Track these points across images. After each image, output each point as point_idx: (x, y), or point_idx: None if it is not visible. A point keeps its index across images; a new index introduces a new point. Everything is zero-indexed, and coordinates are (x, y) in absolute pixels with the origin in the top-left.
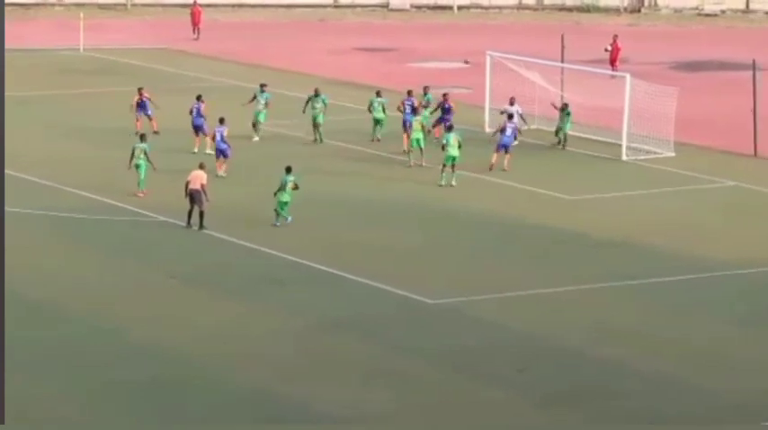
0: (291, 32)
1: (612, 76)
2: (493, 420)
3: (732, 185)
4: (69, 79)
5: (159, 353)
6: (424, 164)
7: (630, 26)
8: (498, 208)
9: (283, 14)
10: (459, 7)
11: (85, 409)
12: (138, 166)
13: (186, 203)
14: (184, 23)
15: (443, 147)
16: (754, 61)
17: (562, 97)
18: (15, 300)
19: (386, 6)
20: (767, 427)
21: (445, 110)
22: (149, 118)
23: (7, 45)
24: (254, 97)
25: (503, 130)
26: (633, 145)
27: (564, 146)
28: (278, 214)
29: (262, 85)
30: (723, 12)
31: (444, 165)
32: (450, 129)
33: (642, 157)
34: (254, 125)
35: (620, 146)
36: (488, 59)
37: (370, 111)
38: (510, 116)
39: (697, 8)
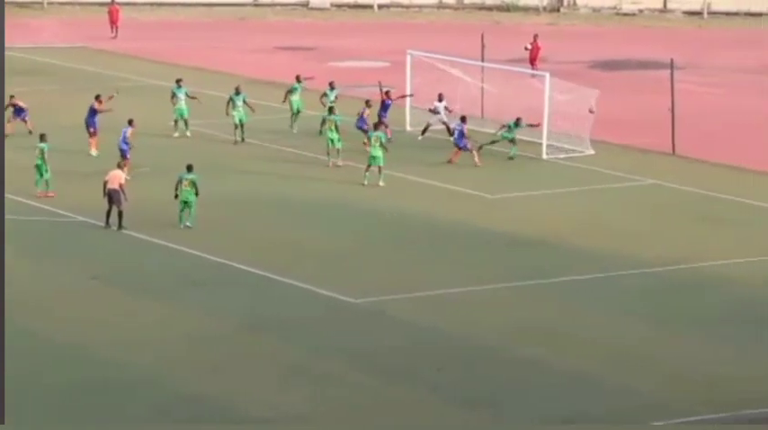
0: (211, 31)
1: (532, 75)
2: (412, 420)
3: (651, 184)
4: None
5: (82, 356)
6: (340, 163)
7: (550, 25)
8: (421, 207)
9: (203, 13)
10: (380, 6)
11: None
12: (37, 167)
13: (104, 203)
14: (102, 22)
15: (365, 146)
16: (672, 60)
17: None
18: None
19: (306, 5)
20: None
21: (385, 107)
22: (24, 121)
23: None
24: (174, 95)
25: (452, 132)
26: (553, 144)
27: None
28: (181, 216)
29: (178, 81)
30: (641, 11)
31: (369, 165)
32: (376, 127)
33: (562, 156)
34: (176, 122)
35: (540, 144)
36: (409, 58)
37: (286, 98)
38: (463, 118)
39: (615, 8)
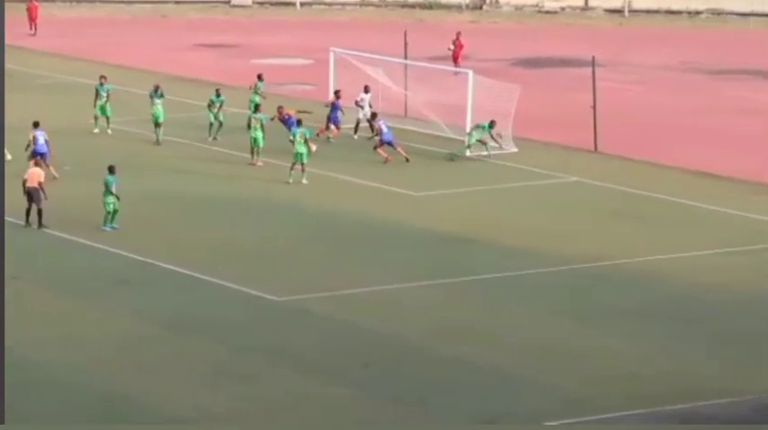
0: (132, 29)
1: (455, 73)
2: (338, 419)
3: (574, 181)
4: None
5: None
6: (259, 163)
7: (472, 23)
8: (345, 205)
9: (123, 10)
10: (302, 3)
11: None
12: None
13: (24, 202)
14: (21, 19)
15: (292, 143)
16: (593, 58)
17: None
18: None
19: (228, 2)
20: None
21: (335, 107)
22: None
23: None
24: (97, 93)
25: (380, 129)
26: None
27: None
28: (107, 219)
29: (101, 78)
30: (563, 9)
31: (294, 163)
32: (299, 124)
33: (485, 153)
34: (96, 119)
35: (463, 142)
36: (332, 56)
37: (209, 108)
38: (374, 115)
39: (537, 5)
